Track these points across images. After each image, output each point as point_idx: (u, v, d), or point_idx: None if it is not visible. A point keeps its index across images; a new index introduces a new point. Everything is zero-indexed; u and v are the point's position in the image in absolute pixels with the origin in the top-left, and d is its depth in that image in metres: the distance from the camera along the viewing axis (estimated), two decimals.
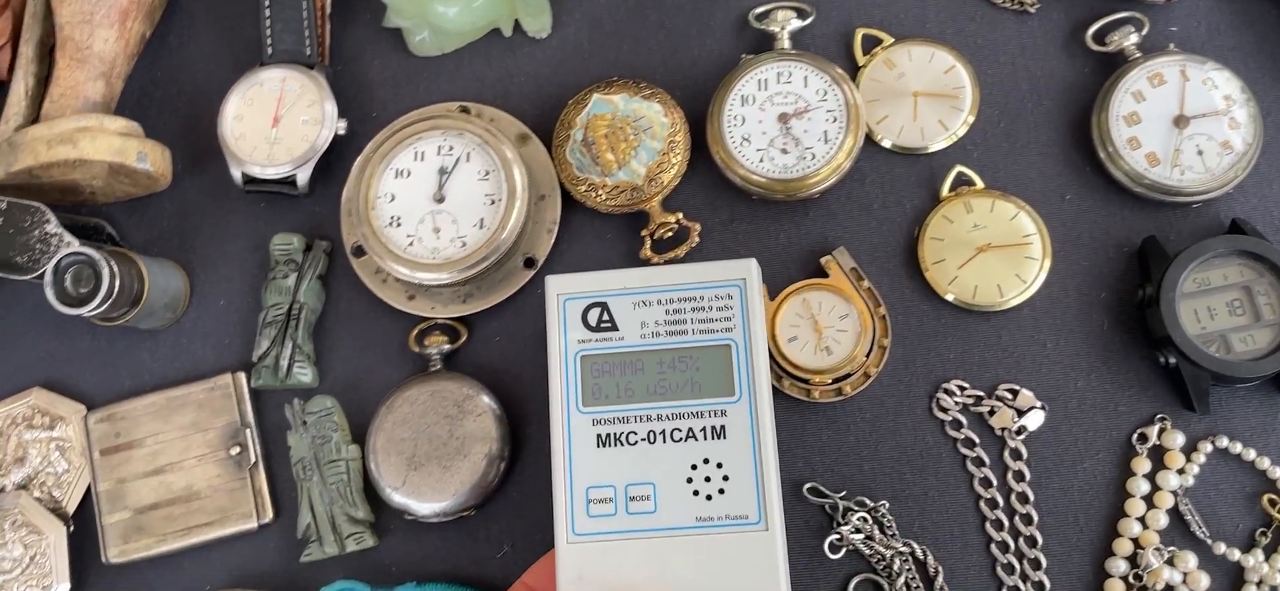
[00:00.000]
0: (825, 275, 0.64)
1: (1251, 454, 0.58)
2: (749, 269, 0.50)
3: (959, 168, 0.64)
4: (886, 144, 0.65)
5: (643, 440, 0.48)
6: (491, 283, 0.66)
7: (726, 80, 0.65)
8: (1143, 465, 0.59)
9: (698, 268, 0.51)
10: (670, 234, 0.65)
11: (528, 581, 0.48)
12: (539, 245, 0.66)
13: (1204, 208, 0.62)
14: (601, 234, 0.67)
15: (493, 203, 0.64)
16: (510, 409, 0.63)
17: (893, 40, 0.66)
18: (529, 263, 0.66)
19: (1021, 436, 0.60)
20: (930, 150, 0.65)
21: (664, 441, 0.48)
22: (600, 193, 0.65)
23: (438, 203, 0.65)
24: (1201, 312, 0.58)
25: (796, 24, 0.66)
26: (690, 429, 0.48)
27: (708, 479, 0.48)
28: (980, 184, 0.64)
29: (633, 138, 0.65)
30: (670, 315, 0.51)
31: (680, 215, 0.65)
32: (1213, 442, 0.59)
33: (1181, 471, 0.58)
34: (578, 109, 0.66)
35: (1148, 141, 0.61)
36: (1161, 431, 0.59)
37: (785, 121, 0.64)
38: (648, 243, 0.65)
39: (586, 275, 0.52)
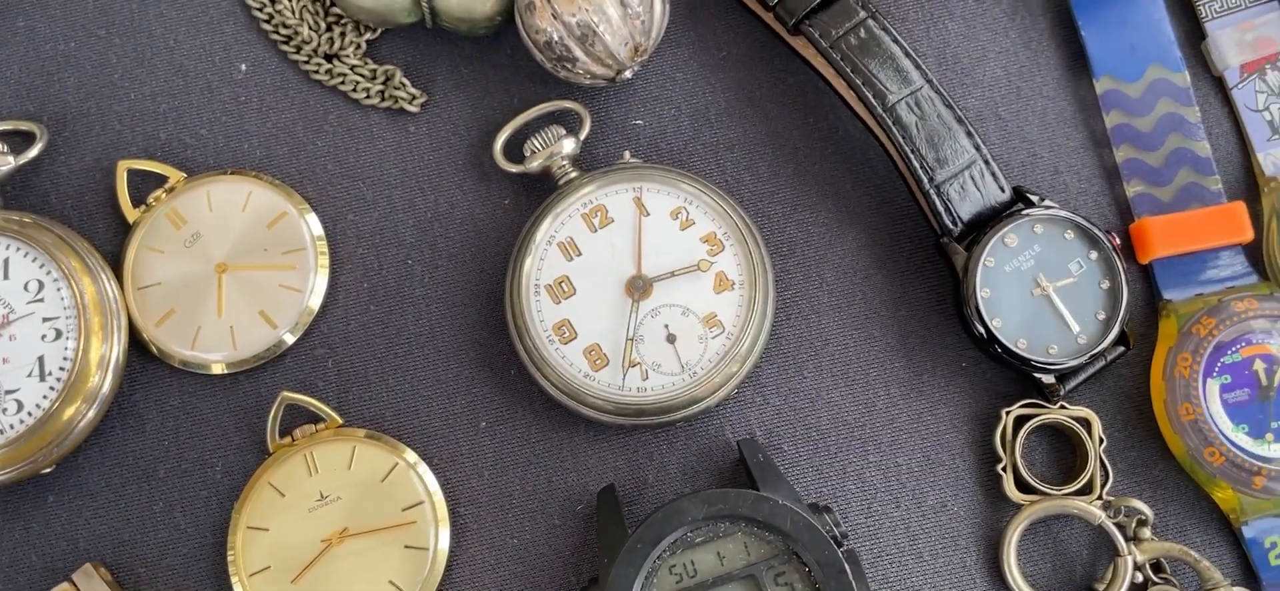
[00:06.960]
0: None
1: None
2: None
3: (285, 394, 0.37)
4: (181, 359, 0.37)
5: None
6: None
7: None
8: None
9: None
10: None
11: None
12: None
13: (692, 425, 0.37)
14: None
15: None
16: None
17: (183, 177, 0.39)
18: None
19: None
20: (250, 364, 0.37)
21: None
22: None
23: None
24: None
25: (10, 164, 0.38)
26: None
27: None
28: (336, 420, 0.37)
29: None
30: None
31: None
32: None
33: None
34: None
35: (587, 329, 0.36)
36: None
37: None
38: None
39: None
